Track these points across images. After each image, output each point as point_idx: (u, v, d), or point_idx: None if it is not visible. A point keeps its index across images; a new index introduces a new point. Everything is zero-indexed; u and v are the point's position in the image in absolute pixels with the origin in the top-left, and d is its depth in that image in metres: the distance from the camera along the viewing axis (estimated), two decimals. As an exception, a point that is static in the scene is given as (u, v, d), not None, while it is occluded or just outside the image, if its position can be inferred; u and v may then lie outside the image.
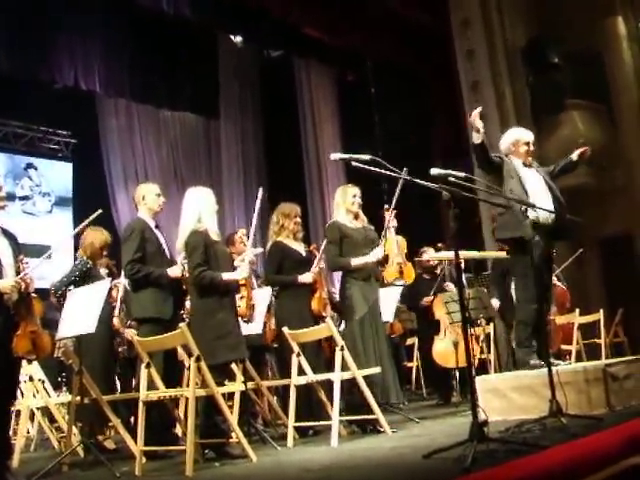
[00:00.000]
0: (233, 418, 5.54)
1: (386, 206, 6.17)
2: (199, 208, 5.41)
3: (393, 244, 6.18)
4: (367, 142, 12.45)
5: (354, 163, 3.96)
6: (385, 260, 6.06)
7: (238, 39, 13.16)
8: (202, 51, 13.18)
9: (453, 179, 4.21)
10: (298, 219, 6.37)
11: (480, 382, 5.70)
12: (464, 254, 6.08)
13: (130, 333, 6.30)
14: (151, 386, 4.99)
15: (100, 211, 5.97)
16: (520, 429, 4.44)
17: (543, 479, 3.25)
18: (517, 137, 5.95)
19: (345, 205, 6.07)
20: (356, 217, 6.11)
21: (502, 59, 12.25)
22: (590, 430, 4.11)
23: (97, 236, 6.57)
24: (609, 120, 12.72)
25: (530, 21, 12.61)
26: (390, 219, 6.11)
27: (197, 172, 13.75)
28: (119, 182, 12.98)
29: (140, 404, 4.85)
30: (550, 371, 4.64)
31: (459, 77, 12.41)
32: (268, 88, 14.01)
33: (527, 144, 5.88)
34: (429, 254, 7.42)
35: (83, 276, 6.42)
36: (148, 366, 4.94)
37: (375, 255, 5.92)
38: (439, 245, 8.03)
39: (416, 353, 9.78)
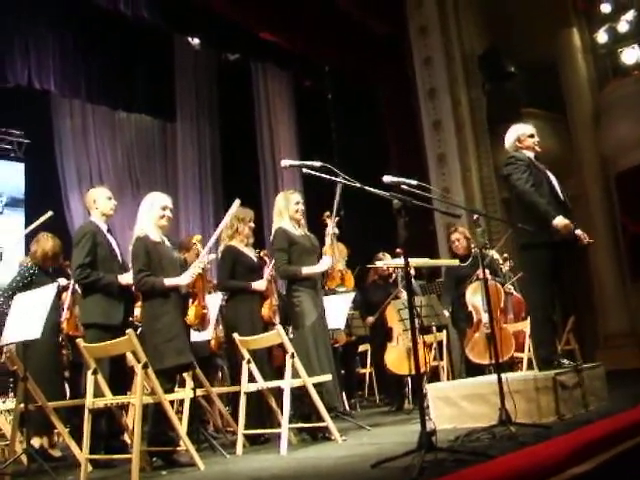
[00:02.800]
0: (182, 425, 5.48)
1: (327, 213, 6.13)
2: (142, 213, 5.36)
3: (335, 251, 6.15)
4: (324, 148, 12.45)
5: (305, 170, 3.92)
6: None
7: (195, 42, 13.07)
8: (159, 53, 13.05)
9: (406, 187, 4.20)
10: (252, 224, 6.32)
11: (431, 390, 5.70)
12: (416, 262, 6.11)
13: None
14: (99, 393, 4.90)
15: (51, 213, 5.86)
16: (469, 438, 4.44)
17: (490, 489, 3.24)
18: (521, 131, 5.98)
19: (288, 212, 6.03)
20: (300, 223, 6.08)
21: (459, 67, 12.34)
22: (538, 439, 4.12)
23: (46, 244, 6.46)
24: (564, 129, 12.86)
25: (487, 30, 12.73)
26: (332, 226, 6.07)
27: (152, 175, 13.60)
28: (72, 184, 12.78)
29: (86, 411, 4.75)
30: (500, 379, 4.65)
31: (416, 84, 12.46)
32: (225, 92, 13.92)
33: (532, 136, 5.93)
34: (384, 261, 7.40)
35: (27, 282, 6.31)
36: (95, 372, 4.85)
37: (325, 264, 5.91)
38: (397, 251, 8.04)
39: (369, 360, 9.75)
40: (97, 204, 5.79)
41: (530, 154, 5.86)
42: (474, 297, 7.28)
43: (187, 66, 13.74)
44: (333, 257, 6.05)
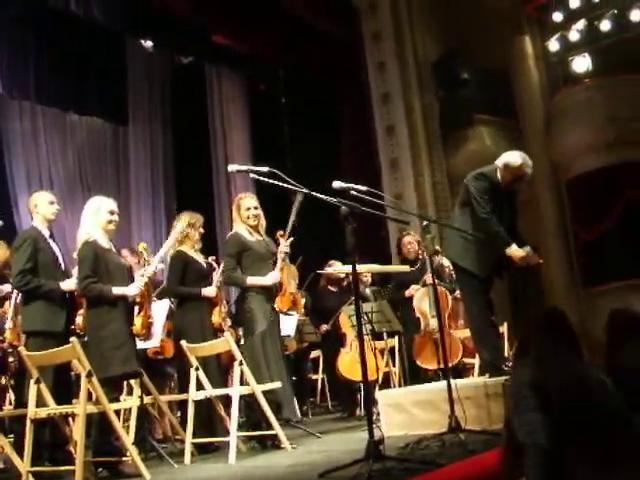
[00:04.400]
0: (128, 435, 5.38)
1: (280, 232, 6.02)
2: (89, 218, 5.24)
3: (289, 272, 6.09)
4: (277, 152, 12.38)
5: (252, 175, 3.87)
6: (279, 287, 5.98)
7: (148, 44, 12.89)
8: (111, 55, 12.85)
9: (355, 193, 4.17)
10: (202, 230, 6.24)
11: (382, 397, 5.68)
12: (365, 267, 6.09)
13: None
14: (42, 402, 4.78)
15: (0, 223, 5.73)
16: (419, 445, 4.44)
17: (438, 498, 3.22)
18: (512, 161, 5.68)
19: (241, 218, 5.96)
20: (256, 229, 6.00)
21: (412, 72, 12.34)
22: (488, 446, 4.12)
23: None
24: (516, 136, 12.95)
25: (441, 37, 12.76)
26: (285, 245, 5.97)
27: (104, 179, 13.40)
28: (22, 188, 12.50)
29: (28, 422, 4.63)
30: (449, 386, 4.64)
31: (370, 89, 12.47)
32: (178, 95, 13.77)
33: (520, 168, 5.68)
34: (334, 267, 7.36)
35: None
36: (38, 382, 4.73)
37: (271, 279, 5.84)
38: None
39: (321, 366, 9.70)
40: (38, 209, 5.62)
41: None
42: (422, 302, 7.29)
43: (140, 69, 13.56)
44: (286, 279, 5.98)
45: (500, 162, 5.67)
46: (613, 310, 3.22)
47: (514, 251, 5.44)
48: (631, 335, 2.95)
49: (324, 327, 8.40)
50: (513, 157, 5.66)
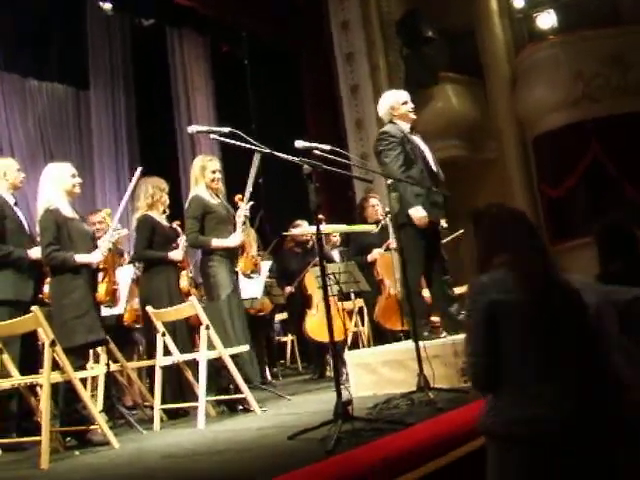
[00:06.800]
0: (96, 403, 5.34)
1: (239, 195, 5.97)
2: (49, 186, 5.12)
3: (250, 236, 6.05)
4: (241, 115, 12.22)
5: (212, 136, 3.79)
6: (241, 250, 5.95)
7: (107, 6, 12.59)
8: (70, 19, 12.58)
9: (318, 152, 4.11)
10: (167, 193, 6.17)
11: (351, 357, 5.67)
12: (331, 228, 6.05)
13: None
14: (5, 373, 4.71)
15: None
16: (388, 405, 4.42)
17: (407, 457, 3.21)
18: (394, 99, 5.82)
19: (205, 180, 5.87)
20: (216, 192, 5.93)
21: (377, 31, 12.25)
22: (456, 404, 4.14)
23: None
24: (482, 93, 12.93)
25: (406, -6, 12.64)
26: (245, 209, 5.92)
27: (66, 145, 13.15)
28: (-19, 154, 12.30)
29: (-9, 393, 4.57)
30: (417, 345, 4.62)
31: (334, 48, 12.35)
32: (140, 58, 13.48)
33: (406, 103, 5.77)
34: (300, 228, 7.30)
35: None
36: (0, 352, 4.65)
37: (234, 240, 5.78)
38: (320, 217, 7.95)
39: (290, 328, 9.70)
40: (8, 176, 5.52)
41: (404, 125, 5.73)
42: (385, 266, 7.27)
43: (100, 32, 13.25)
44: (248, 241, 5.94)
45: (387, 110, 5.76)
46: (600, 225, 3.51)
47: (414, 212, 5.45)
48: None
49: (288, 289, 8.38)
50: (393, 97, 5.81)
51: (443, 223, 5.97)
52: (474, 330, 2.53)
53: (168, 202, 6.15)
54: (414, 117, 5.80)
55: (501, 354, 2.44)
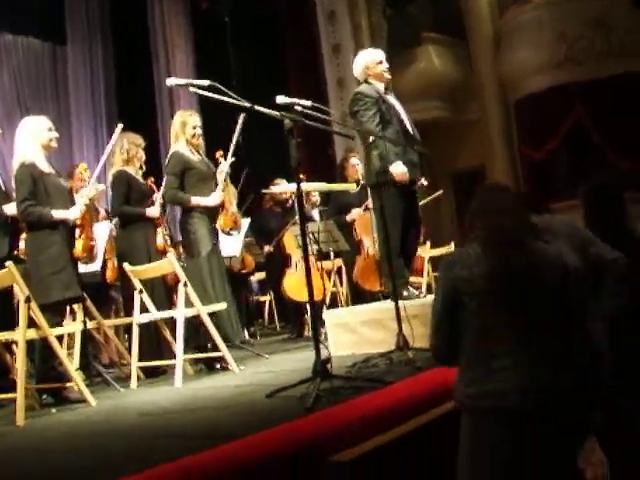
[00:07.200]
0: (73, 360, 5.30)
1: (220, 152, 5.91)
2: (25, 139, 5.01)
3: (230, 193, 5.98)
4: (222, 73, 12.05)
5: (192, 89, 3.72)
6: (222, 207, 5.87)
7: (85, -42, 12.39)
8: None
9: (300, 108, 4.05)
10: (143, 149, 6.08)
11: (329, 316, 5.65)
12: (310, 186, 5.98)
13: None
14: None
15: None
16: (367, 364, 4.41)
17: (386, 415, 3.20)
18: (369, 58, 5.74)
19: (185, 136, 5.78)
20: (197, 148, 5.84)
21: (359, -10, 12.10)
22: (435, 363, 4.11)
23: None
24: (465, 54, 12.84)
25: (389, -49, 12.48)
26: (226, 165, 5.86)
27: (43, 101, 12.95)
28: (-44, 111, 12.08)
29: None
30: (397, 304, 4.60)
31: (316, 6, 12.18)
32: (118, 12, 13.22)
33: (381, 62, 5.69)
34: (279, 186, 7.22)
35: None
36: (-26, 308, 4.58)
37: (214, 199, 5.72)
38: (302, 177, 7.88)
39: (268, 288, 9.66)
40: None
41: (379, 85, 5.65)
42: (364, 227, 7.23)
43: (77, -15, 13.04)
44: (228, 199, 5.87)
45: (361, 70, 5.70)
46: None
47: (395, 169, 5.36)
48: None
49: (267, 248, 8.33)
50: (367, 56, 5.74)
51: (423, 181, 5.95)
52: (437, 304, 2.59)
53: (144, 158, 6.06)
54: (389, 77, 5.74)
55: (467, 327, 2.46)
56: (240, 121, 5.68)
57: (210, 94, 3.69)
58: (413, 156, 5.54)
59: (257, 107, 3.70)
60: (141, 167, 6.04)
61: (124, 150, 5.93)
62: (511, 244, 2.45)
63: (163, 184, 5.84)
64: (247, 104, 3.69)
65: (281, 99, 4.02)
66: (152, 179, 6.12)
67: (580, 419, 2.37)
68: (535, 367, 2.33)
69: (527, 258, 2.41)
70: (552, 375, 2.32)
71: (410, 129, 5.62)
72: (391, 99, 5.65)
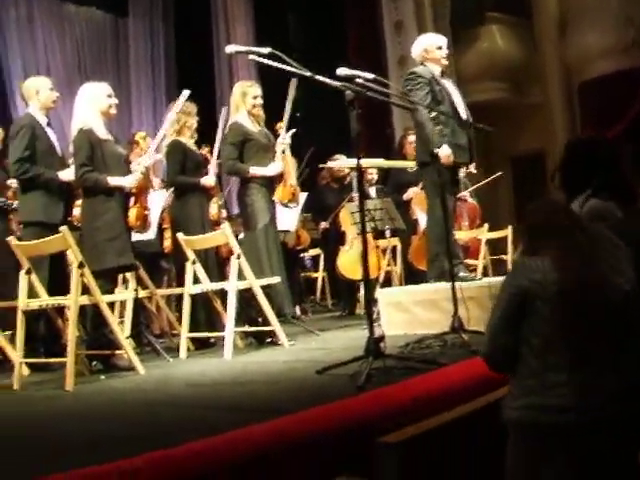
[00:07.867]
0: (124, 328, 5.30)
1: (280, 124, 5.84)
2: (84, 105, 4.99)
3: (290, 164, 5.89)
4: (282, 46, 11.95)
5: (251, 56, 3.65)
6: (280, 179, 5.79)
7: None
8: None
9: (361, 80, 3.95)
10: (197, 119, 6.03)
11: (383, 295, 5.57)
12: (370, 162, 5.87)
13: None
14: (34, 294, 4.67)
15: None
16: (420, 345, 4.34)
17: (438, 398, 3.12)
18: (430, 42, 5.67)
19: (245, 107, 5.71)
20: (257, 119, 5.77)
21: (424, -33, 11.87)
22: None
23: None
24: (529, 36, 12.56)
25: None
26: (285, 137, 5.79)
27: (104, 71, 13.03)
28: (18, 78, 12.19)
29: (19, 313, 4.51)
30: (453, 286, 4.50)
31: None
32: (180, -14, 13.30)
33: (440, 48, 5.61)
34: (338, 161, 7.12)
35: None
36: (28, 272, 4.58)
37: (274, 169, 5.65)
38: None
39: (322, 264, 9.59)
40: (40, 95, 5.44)
41: (436, 68, 5.56)
42: (420, 204, 7.10)
43: (141, -41, 13.08)
44: (287, 170, 5.79)
45: (420, 52, 5.64)
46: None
47: (441, 151, 5.19)
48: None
49: (323, 224, 8.25)
50: (428, 40, 5.71)
51: (472, 169, 5.83)
52: (497, 310, 2.49)
53: (196, 126, 6.01)
54: (446, 63, 5.69)
55: (529, 336, 2.37)
56: (292, 87, 5.59)
57: (270, 62, 3.61)
58: (462, 140, 5.43)
59: (318, 77, 3.62)
60: (192, 136, 5.99)
61: (175, 120, 5.88)
62: (586, 263, 2.36)
63: (221, 154, 5.78)
64: (308, 73, 3.61)
65: (343, 71, 3.93)
66: (207, 148, 6.07)
67: (628, 447, 2.29)
68: (591, 384, 2.26)
69: (598, 274, 2.34)
70: (608, 393, 2.25)
71: (462, 113, 5.51)
72: (446, 82, 5.56)
